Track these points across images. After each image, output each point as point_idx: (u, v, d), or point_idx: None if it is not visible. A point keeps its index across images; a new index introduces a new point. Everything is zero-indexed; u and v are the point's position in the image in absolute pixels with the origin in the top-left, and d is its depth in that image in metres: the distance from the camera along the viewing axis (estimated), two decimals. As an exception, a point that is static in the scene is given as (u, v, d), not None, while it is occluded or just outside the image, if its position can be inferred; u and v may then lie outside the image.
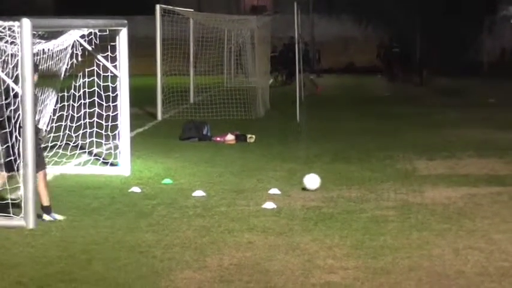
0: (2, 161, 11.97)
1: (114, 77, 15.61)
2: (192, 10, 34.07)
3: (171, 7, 28.78)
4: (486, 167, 16.25)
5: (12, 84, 11.92)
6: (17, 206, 11.64)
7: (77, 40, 15.61)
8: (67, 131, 16.80)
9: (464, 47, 50.82)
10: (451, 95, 34.48)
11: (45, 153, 16.00)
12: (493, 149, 18.41)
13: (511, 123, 23.24)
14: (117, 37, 15.20)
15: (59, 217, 11.96)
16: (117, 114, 15.74)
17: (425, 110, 27.69)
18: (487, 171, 15.79)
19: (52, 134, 16.67)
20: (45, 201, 11.96)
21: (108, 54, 15.44)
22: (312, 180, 14.01)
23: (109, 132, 16.45)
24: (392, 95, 34.88)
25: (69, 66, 16.25)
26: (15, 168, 11.71)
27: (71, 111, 16.64)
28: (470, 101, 31.09)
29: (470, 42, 51.34)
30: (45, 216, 11.91)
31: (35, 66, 12.05)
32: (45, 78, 15.92)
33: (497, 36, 53.60)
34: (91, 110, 16.52)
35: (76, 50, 15.87)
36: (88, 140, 16.71)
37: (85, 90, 16.28)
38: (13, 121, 11.66)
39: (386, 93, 35.75)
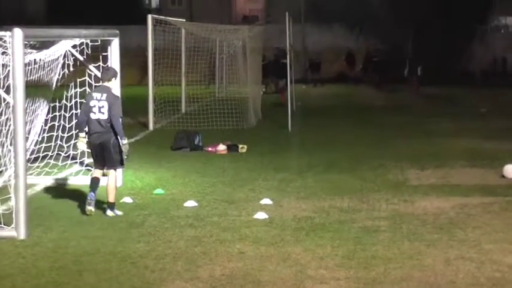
0: None
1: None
2: (183, 20, 34.08)
3: (162, 17, 28.79)
4: (478, 177, 16.27)
5: (3, 95, 11.92)
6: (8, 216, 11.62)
7: (69, 50, 15.61)
8: (58, 141, 16.79)
9: (456, 57, 50.98)
10: (443, 104, 34.56)
11: (36, 164, 16.09)
12: (485, 159, 18.44)
13: (502, 133, 23.30)
14: (109, 47, 15.19)
15: (119, 213, 12.82)
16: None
17: (416, 119, 27.75)
18: (479, 181, 15.81)
19: (43, 144, 16.66)
20: (112, 198, 12.76)
21: (99, 64, 15.42)
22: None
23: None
24: (384, 104, 34.94)
25: (60, 76, 16.26)
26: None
27: (62, 121, 16.63)
28: (462, 110, 31.16)
29: (462, 52, 51.49)
30: (109, 212, 12.73)
31: None
32: (36, 88, 15.93)
33: (488, 46, 53.74)
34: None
35: (68, 60, 15.88)
36: (79, 150, 16.67)
37: (77, 100, 16.26)
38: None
39: (381, 103, 35.85)
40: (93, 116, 12.78)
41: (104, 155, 12.88)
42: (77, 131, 13.37)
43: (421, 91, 39.93)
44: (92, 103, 12.81)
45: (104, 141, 12.78)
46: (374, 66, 47.48)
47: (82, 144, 13.14)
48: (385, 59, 48.20)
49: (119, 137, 12.70)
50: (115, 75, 13.10)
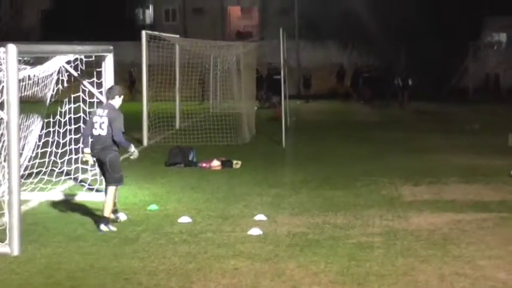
0: None
1: (100, 103, 15.59)
2: (177, 36, 34.13)
3: (157, 33, 28.83)
4: (471, 193, 16.30)
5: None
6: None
7: (63, 66, 15.62)
8: (52, 157, 16.77)
9: (449, 73, 51.16)
10: (436, 120, 34.63)
11: (30, 180, 16.07)
12: (478, 175, 18.48)
13: (495, 149, 23.36)
14: (103, 63, 15.21)
15: (113, 228, 12.91)
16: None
17: (410, 135, 27.80)
18: (472, 197, 15.83)
19: (37, 160, 16.64)
20: (106, 213, 12.95)
21: (94, 80, 15.43)
22: None
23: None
24: (377, 120, 35.00)
25: (55, 92, 16.24)
26: None
27: (56, 137, 16.62)
28: (455, 126, 31.23)
29: (454, 68, 51.67)
30: (102, 227, 12.83)
31: None
32: (31, 104, 15.93)
33: (481, 62, 53.92)
34: (77, 136, 16.50)
35: (62, 76, 15.88)
36: (73, 166, 16.69)
37: (71, 116, 16.27)
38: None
39: (374, 118, 35.93)
40: (94, 132, 13.03)
41: (103, 171, 13.15)
42: (82, 146, 13.65)
43: (409, 107, 40.07)
44: (94, 119, 13.11)
45: (102, 157, 13.02)
46: (365, 81, 47.61)
47: (89, 157, 13.33)
48: (377, 75, 48.38)
49: (127, 148, 13.16)
50: (119, 94, 13.31)
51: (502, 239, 12.22)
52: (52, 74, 15.98)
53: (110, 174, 12.99)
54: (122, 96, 13.40)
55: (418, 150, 23.50)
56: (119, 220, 13.53)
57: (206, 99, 38.66)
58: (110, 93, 13.33)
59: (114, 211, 13.48)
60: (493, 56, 55.95)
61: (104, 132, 12.94)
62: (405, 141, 25.96)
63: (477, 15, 52.45)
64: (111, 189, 13.06)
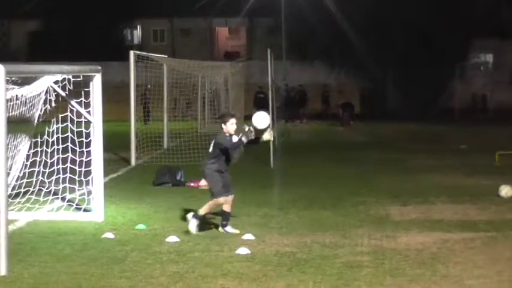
0: None
1: (88, 123, 15.60)
2: (165, 56, 34.20)
3: (145, 53, 28.88)
4: (459, 213, 16.33)
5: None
6: None
7: (51, 86, 15.61)
8: (40, 177, 16.73)
9: (436, 94, 51.41)
10: (423, 140, 34.73)
11: (17, 199, 16.02)
12: (466, 195, 18.53)
13: (482, 169, 23.44)
14: (91, 83, 15.20)
15: (194, 227, 14.01)
16: (90, 159, 15.68)
17: (397, 156, 27.87)
18: (460, 217, 15.86)
19: (25, 180, 16.60)
20: (202, 211, 14.10)
21: (82, 100, 15.42)
22: (260, 119, 14.23)
23: (82, 178, 16.39)
24: (364, 140, 35.08)
25: (42, 112, 16.23)
26: None
27: (44, 157, 16.59)
28: (442, 147, 31.32)
29: (442, 89, 51.93)
30: (189, 216, 14.16)
31: None
32: (18, 123, 15.90)
33: (468, 83, 54.21)
34: (64, 156, 16.47)
35: (50, 96, 15.87)
36: (61, 186, 16.64)
37: (58, 136, 16.24)
38: None
39: (361, 139, 36.04)
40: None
41: None
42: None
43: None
44: None
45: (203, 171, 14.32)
46: (343, 104, 47.66)
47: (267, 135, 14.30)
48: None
49: (244, 138, 13.99)
50: (225, 120, 14.10)
51: (490, 259, 12.23)
52: (40, 93, 15.98)
53: (210, 187, 14.32)
54: (232, 120, 14.10)
55: (406, 170, 23.56)
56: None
57: (193, 119, 38.65)
58: (221, 119, 14.47)
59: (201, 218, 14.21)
60: (480, 76, 56.29)
61: (210, 149, 14.30)
62: (393, 162, 26.02)
63: (464, 37, 52.76)
64: (215, 200, 14.09)
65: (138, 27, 70.90)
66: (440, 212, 16.49)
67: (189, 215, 14.31)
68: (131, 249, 12.93)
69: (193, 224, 14.04)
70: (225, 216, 14.30)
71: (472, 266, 11.81)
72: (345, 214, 16.24)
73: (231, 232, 14.11)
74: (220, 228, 14.30)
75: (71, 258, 12.35)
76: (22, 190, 16.59)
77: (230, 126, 14.04)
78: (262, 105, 39.32)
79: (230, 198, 14.22)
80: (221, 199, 14.08)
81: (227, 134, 14.05)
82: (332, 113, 49.79)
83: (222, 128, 14.14)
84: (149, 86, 35.14)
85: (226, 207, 14.23)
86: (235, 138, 14.04)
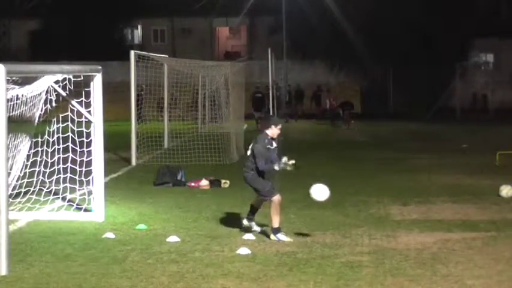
0: None
1: (89, 123, 15.59)
2: (166, 56, 34.18)
3: (145, 53, 28.87)
4: (460, 212, 16.33)
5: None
6: None
7: (51, 86, 15.61)
8: (41, 177, 16.73)
9: (436, 93, 51.38)
10: (424, 140, 34.72)
11: (18, 199, 16.03)
12: (467, 195, 18.52)
13: (483, 169, 23.44)
14: (92, 83, 15.20)
15: (285, 238, 13.56)
16: (91, 159, 15.68)
17: (398, 155, 27.85)
18: (461, 217, 15.86)
19: (25, 180, 16.60)
20: (276, 223, 13.63)
21: (82, 100, 15.42)
22: (320, 192, 14.16)
23: (83, 178, 16.38)
24: (365, 140, 35.07)
25: (43, 111, 16.23)
26: None
27: (44, 157, 16.58)
28: (443, 146, 31.31)
29: (442, 88, 51.89)
30: (272, 236, 13.58)
31: None
32: (19, 123, 15.90)
33: (469, 83, 54.18)
34: (65, 156, 16.47)
35: (50, 96, 15.86)
36: (62, 186, 16.64)
37: (59, 136, 16.24)
38: None
39: (361, 138, 36.03)
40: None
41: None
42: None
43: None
44: None
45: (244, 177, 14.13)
46: (343, 103, 47.63)
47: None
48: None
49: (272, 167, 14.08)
50: (275, 124, 14.17)
51: (491, 259, 12.23)
52: (40, 93, 15.98)
53: (257, 189, 14.06)
54: (280, 127, 14.21)
55: (407, 170, 23.54)
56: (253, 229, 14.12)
57: (195, 119, 38.63)
58: (264, 124, 14.58)
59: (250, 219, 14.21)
60: (481, 76, 56.27)
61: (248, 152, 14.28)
62: (393, 161, 26.01)
63: (465, 36, 52.75)
64: (272, 203, 13.79)
65: (139, 27, 70.85)
66: (440, 211, 16.49)
67: (275, 237, 13.65)
68: (132, 249, 12.93)
69: (282, 237, 13.61)
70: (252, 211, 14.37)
71: (473, 265, 11.81)
72: (345, 214, 16.24)
73: (251, 226, 14.18)
74: (271, 235, 13.83)
75: (71, 258, 12.36)
76: (23, 190, 16.59)
77: (276, 130, 14.12)
78: (260, 105, 39.33)
79: (280, 196, 14.03)
80: (275, 198, 13.86)
81: (269, 137, 14.04)
82: (323, 110, 49.49)
83: (268, 128, 14.10)
84: (144, 86, 35.14)
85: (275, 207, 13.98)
86: (273, 145, 14.16)
